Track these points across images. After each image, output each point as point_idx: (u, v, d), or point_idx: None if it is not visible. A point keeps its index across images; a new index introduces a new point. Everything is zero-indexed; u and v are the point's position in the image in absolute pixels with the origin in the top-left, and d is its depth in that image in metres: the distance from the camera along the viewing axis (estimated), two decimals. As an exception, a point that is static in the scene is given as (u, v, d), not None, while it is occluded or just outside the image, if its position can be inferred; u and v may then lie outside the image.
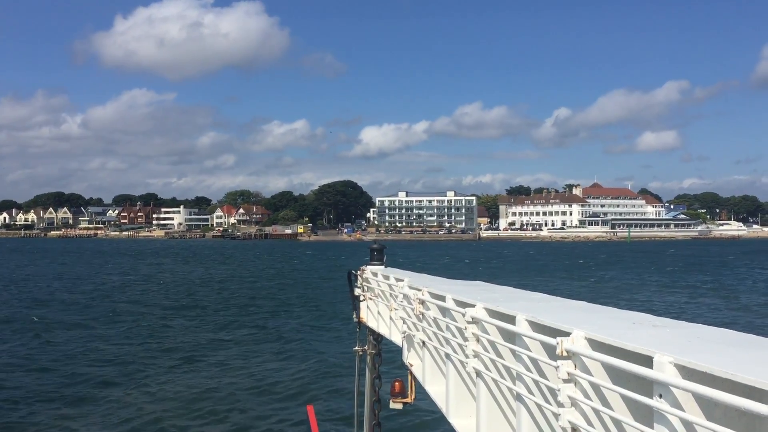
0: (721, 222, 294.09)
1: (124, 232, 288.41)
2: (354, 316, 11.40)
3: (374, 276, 10.59)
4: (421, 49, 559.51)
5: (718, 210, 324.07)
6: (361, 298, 11.11)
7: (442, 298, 6.45)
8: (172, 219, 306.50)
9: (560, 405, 3.84)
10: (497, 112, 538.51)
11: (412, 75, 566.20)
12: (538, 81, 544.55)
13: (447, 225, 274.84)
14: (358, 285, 11.32)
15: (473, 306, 5.48)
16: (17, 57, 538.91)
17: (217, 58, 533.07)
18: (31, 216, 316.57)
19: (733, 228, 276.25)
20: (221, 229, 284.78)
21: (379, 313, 10.33)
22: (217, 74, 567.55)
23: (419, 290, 7.30)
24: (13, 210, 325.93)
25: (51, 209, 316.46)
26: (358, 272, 11.35)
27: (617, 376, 3.54)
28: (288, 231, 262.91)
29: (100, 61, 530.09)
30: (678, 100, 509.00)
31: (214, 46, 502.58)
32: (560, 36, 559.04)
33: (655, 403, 3.04)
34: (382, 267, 11.08)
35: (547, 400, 4.33)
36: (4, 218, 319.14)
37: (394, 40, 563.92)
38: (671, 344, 3.32)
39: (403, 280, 8.38)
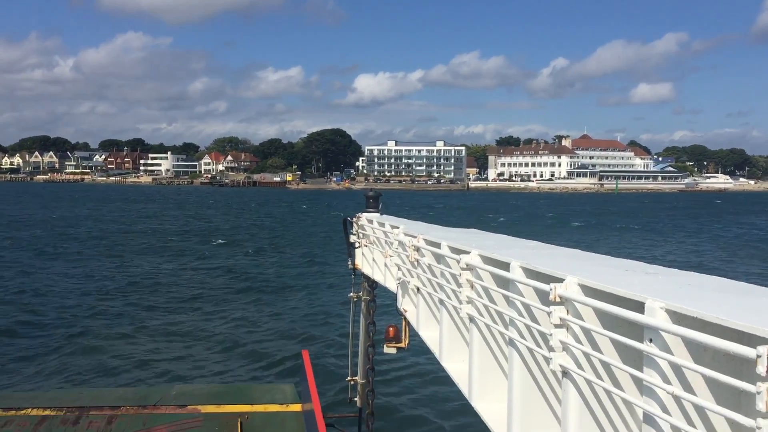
0: (708, 175, 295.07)
1: (111, 178, 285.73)
2: (349, 262, 11.50)
3: (370, 223, 10.61)
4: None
5: (705, 163, 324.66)
6: (357, 245, 11.17)
7: (437, 245, 6.51)
8: (159, 165, 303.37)
9: (551, 349, 3.92)
10: (494, 62, 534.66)
11: (411, 22, 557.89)
12: (538, 31, 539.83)
13: (436, 175, 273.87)
14: (354, 232, 11.37)
15: (468, 253, 5.53)
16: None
17: (218, 1, 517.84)
18: (17, 160, 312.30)
19: (720, 181, 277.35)
20: (209, 176, 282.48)
21: (374, 259, 10.41)
22: (216, 18, 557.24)
23: (414, 237, 7.33)
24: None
25: (37, 153, 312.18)
26: (354, 219, 11.38)
27: (609, 321, 3.60)
28: (276, 179, 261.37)
29: (98, 2, 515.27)
30: (676, 52, 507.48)
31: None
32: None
33: (645, 347, 3.10)
34: (378, 214, 11.05)
35: (538, 345, 4.43)
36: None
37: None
38: (663, 291, 3.36)
39: (398, 228, 8.42)
